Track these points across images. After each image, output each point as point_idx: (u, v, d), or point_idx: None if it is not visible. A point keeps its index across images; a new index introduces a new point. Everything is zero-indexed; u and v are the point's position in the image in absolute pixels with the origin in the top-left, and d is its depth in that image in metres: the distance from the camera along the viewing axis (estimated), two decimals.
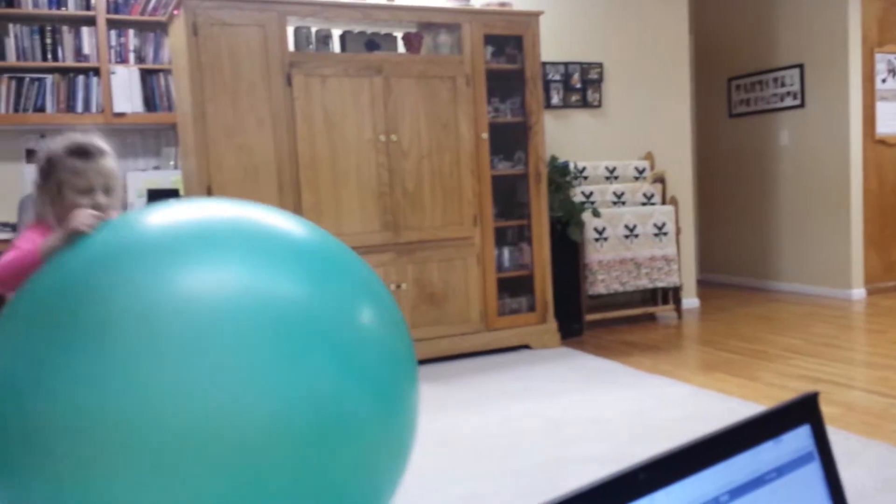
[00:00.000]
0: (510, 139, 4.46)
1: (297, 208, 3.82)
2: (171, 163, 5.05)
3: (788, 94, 6.09)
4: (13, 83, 4.70)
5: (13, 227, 4.47)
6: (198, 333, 1.45)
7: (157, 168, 5.07)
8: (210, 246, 1.59)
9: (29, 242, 1.82)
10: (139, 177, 4.96)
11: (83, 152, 1.98)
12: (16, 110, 4.70)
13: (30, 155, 4.88)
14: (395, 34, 4.30)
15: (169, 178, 4.94)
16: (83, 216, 1.72)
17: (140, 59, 4.93)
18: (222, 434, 1.42)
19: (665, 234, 5.03)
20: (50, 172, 1.95)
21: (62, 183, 1.93)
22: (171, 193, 4.84)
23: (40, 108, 4.75)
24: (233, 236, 1.62)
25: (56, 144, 1.99)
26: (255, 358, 1.46)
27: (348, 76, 3.92)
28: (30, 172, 4.84)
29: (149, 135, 5.14)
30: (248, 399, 1.44)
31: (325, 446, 1.50)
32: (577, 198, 4.99)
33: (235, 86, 3.71)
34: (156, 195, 4.85)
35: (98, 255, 1.59)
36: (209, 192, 3.66)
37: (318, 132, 3.87)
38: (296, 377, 1.48)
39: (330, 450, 1.50)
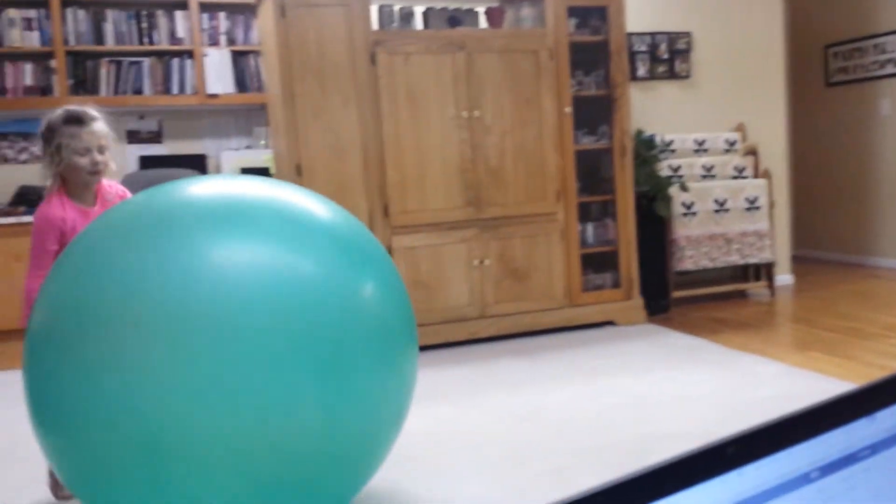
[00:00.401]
0: (594, 113, 4.40)
1: (381, 186, 3.88)
2: (262, 142, 5.19)
3: (890, 61, 5.78)
4: (112, 67, 4.91)
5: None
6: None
7: (248, 147, 5.23)
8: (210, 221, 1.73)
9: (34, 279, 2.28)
10: (232, 156, 5.12)
11: (77, 119, 2.32)
12: (115, 93, 4.92)
13: (131, 136, 5.11)
14: (476, 9, 4.29)
15: (260, 156, 5.09)
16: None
17: (231, 41, 5.08)
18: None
19: (757, 208, 4.88)
20: (51, 138, 2.30)
21: (61, 146, 2.28)
22: (262, 172, 4.99)
23: (138, 91, 4.96)
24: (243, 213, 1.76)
25: (54, 115, 2.33)
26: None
27: (431, 53, 3.94)
28: (132, 152, 5.07)
29: (241, 115, 5.29)
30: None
31: (331, 379, 1.69)
32: (664, 172, 4.89)
33: (322, 66, 3.78)
34: (248, 174, 5.00)
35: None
36: (298, 171, 3.76)
37: (402, 110, 3.90)
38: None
39: (335, 381, 1.69)
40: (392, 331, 1.85)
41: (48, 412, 1.67)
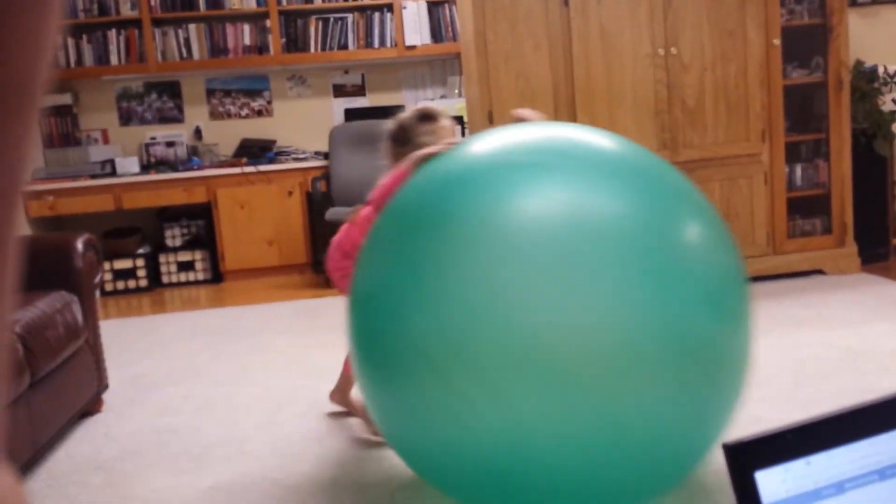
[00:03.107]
0: (806, 44, 4.06)
1: None
2: (456, 91, 5.31)
3: None
4: (320, 24, 5.22)
5: (325, 156, 5.05)
6: (551, 254, 1.53)
7: (443, 97, 5.38)
8: (537, 167, 1.67)
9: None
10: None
11: (431, 117, 2.37)
12: (323, 49, 5.23)
13: (336, 90, 5.43)
14: None
15: (454, 105, 5.21)
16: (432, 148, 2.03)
17: None
18: (576, 353, 1.50)
19: None
20: (407, 138, 2.33)
21: (419, 146, 2.19)
22: (456, 121, 5.12)
23: (343, 46, 5.24)
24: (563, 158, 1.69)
25: (405, 116, 2.40)
26: (607, 279, 1.53)
27: None
28: (338, 105, 5.40)
29: (436, 65, 5.44)
30: (603, 319, 1.51)
31: (675, 368, 1.53)
32: (887, 107, 4.43)
33: (514, 11, 3.79)
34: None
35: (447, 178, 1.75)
36: (490, 118, 3.83)
37: (594, 51, 3.83)
38: (645, 299, 1.53)
39: (680, 371, 1.53)
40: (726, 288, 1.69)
41: (374, 358, 1.71)
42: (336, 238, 2.49)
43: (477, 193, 1.63)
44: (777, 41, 3.92)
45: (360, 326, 1.78)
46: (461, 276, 1.56)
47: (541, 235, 1.55)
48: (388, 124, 2.41)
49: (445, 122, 2.37)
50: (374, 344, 1.71)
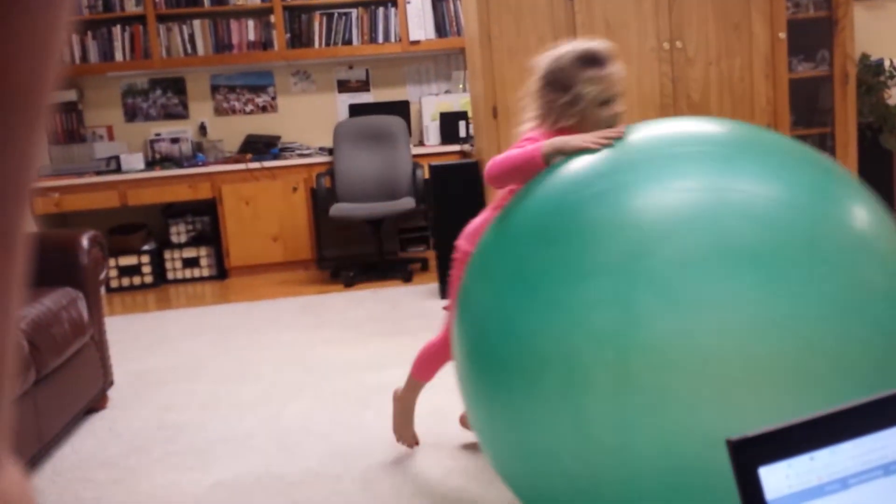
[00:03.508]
0: (812, 37, 4.04)
1: None
2: (460, 86, 5.30)
3: None
4: (324, 19, 5.21)
5: (330, 152, 5.05)
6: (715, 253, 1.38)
7: (447, 92, 5.37)
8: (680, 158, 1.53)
9: (525, 146, 1.74)
10: (432, 101, 5.29)
11: (596, 59, 1.83)
12: (327, 44, 5.23)
13: (341, 85, 5.42)
14: None
15: (459, 101, 5.21)
16: (592, 137, 1.61)
17: None
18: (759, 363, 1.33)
19: None
20: (563, 84, 1.81)
21: (579, 96, 1.79)
22: (460, 116, 5.11)
23: (347, 41, 5.23)
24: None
25: (564, 53, 1.85)
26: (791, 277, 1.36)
27: None
28: (342, 101, 5.39)
29: (440, 60, 5.43)
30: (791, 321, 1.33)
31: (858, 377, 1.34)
32: (893, 100, 4.41)
33: (518, 5, 3.78)
34: (447, 118, 5.15)
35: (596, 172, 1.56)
36: (494, 113, 3.82)
37: None
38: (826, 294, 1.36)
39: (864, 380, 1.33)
40: None
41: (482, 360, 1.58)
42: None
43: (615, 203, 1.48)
44: (782, 35, 3.90)
45: (474, 339, 1.62)
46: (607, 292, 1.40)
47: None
48: (543, 60, 1.88)
49: (613, 68, 1.83)
50: (491, 356, 1.56)
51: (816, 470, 0.50)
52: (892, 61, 4.54)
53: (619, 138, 1.60)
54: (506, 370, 1.51)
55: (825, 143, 4.13)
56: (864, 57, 4.41)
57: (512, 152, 1.73)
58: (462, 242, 2.08)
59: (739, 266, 1.37)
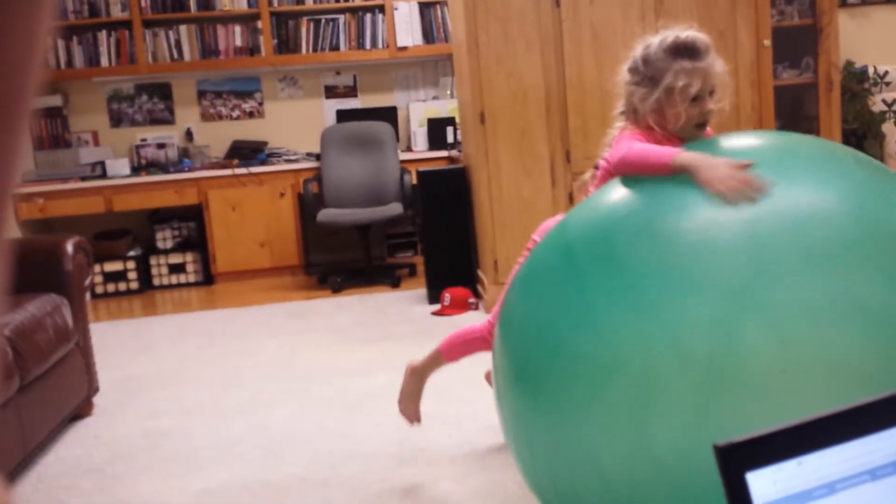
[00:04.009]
0: (797, 44, 4.08)
1: (563, 131, 3.86)
2: (448, 92, 5.31)
3: None
4: (311, 25, 5.21)
5: (317, 157, 5.03)
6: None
7: (435, 98, 5.37)
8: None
9: (666, 147, 1.62)
10: (420, 107, 5.29)
11: (689, 50, 1.69)
12: (314, 50, 5.22)
13: (328, 91, 5.42)
14: None
15: (446, 107, 5.21)
16: (730, 179, 1.45)
17: None
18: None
19: None
20: (651, 75, 1.70)
21: (669, 89, 1.65)
22: (447, 122, 5.12)
23: (335, 47, 5.23)
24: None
25: (654, 43, 1.73)
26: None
27: None
28: (329, 106, 5.38)
29: (428, 66, 5.43)
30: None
31: None
32: (877, 107, 4.45)
33: (506, 12, 3.79)
34: (434, 124, 5.16)
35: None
36: (482, 118, 3.83)
37: (586, 52, 3.84)
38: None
39: None
40: None
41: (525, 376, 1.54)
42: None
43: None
44: (767, 42, 3.93)
45: (517, 348, 1.58)
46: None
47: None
48: (635, 48, 1.77)
49: (711, 62, 1.69)
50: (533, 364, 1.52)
51: (804, 475, 0.50)
52: (875, 68, 4.58)
53: (761, 193, 1.43)
54: (579, 369, 1.44)
55: None
56: (849, 64, 4.45)
57: (650, 149, 1.60)
58: (538, 238, 2.00)
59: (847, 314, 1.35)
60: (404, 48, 5.21)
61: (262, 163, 5.07)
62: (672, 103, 1.66)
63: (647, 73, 1.70)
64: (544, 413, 1.50)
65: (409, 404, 2.22)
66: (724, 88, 1.74)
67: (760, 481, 0.49)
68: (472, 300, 3.94)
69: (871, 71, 4.56)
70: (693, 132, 1.70)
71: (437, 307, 3.93)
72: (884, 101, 4.49)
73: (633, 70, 1.74)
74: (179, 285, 5.04)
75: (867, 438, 0.51)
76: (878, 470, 0.51)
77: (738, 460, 0.49)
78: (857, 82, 4.37)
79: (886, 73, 4.60)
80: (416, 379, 2.21)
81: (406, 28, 5.20)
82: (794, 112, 4.19)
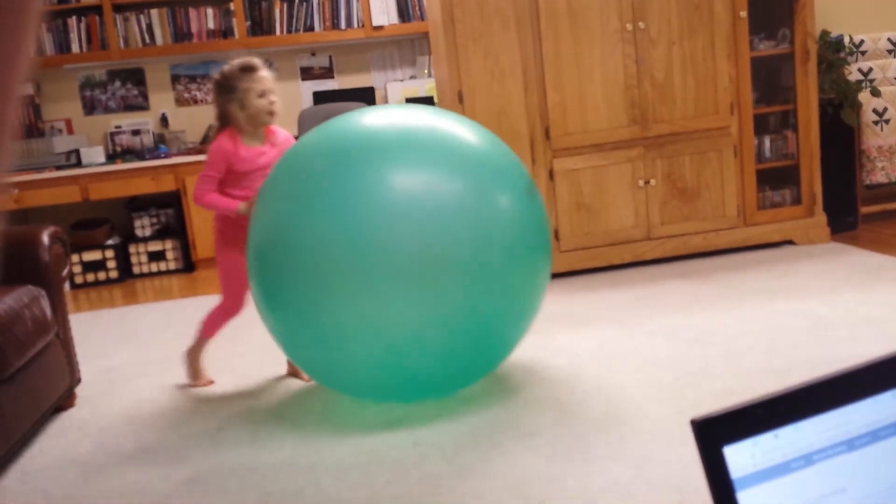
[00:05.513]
0: (773, 14, 4.08)
1: (542, 108, 3.84)
2: (426, 71, 5.27)
3: None
4: (285, 5, 5.14)
5: (296, 139, 4.98)
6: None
7: (413, 77, 5.33)
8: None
9: (226, 199, 2.73)
10: (397, 87, 5.25)
11: (252, 67, 2.65)
12: (289, 31, 5.16)
13: (304, 73, 5.36)
14: None
15: (424, 86, 5.18)
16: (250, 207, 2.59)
17: None
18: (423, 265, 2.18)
19: None
20: (232, 87, 2.63)
21: (245, 91, 2.61)
22: (426, 101, 5.09)
23: (309, 28, 5.17)
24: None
25: (228, 67, 2.67)
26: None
27: None
28: (306, 88, 5.33)
29: (405, 46, 5.39)
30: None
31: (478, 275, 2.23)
32: (853, 76, 4.47)
33: None
34: (413, 103, 5.12)
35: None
36: (460, 97, 3.81)
37: (562, 28, 3.82)
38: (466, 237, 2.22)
39: (480, 279, 2.24)
40: (525, 234, 2.33)
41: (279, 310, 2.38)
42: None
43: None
44: (744, 13, 3.93)
45: (261, 246, 2.37)
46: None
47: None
48: (215, 74, 2.73)
49: (267, 73, 2.66)
50: (272, 258, 2.31)
51: (781, 447, 0.50)
52: (851, 38, 4.60)
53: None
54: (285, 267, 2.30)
55: (787, 120, 4.18)
56: (825, 34, 4.46)
57: (217, 201, 2.76)
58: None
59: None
60: (380, 27, 5.16)
61: None
62: (248, 101, 2.64)
63: (227, 88, 2.68)
64: (280, 300, 2.38)
65: (198, 378, 2.91)
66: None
67: (738, 454, 0.49)
68: None
69: (846, 40, 4.57)
70: (267, 118, 2.69)
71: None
72: (860, 70, 4.51)
73: (220, 86, 2.72)
74: (160, 273, 5.00)
75: (843, 409, 0.51)
76: (854, 440, 0.51)
77: (714, 434, 0.49)
78: (833, 52, 4.38)
79: (862, 41, 4.61)
80: (192, 358, 2.92)
81: (381, 7, 5.14)
82: (770, 83, 4.20)
